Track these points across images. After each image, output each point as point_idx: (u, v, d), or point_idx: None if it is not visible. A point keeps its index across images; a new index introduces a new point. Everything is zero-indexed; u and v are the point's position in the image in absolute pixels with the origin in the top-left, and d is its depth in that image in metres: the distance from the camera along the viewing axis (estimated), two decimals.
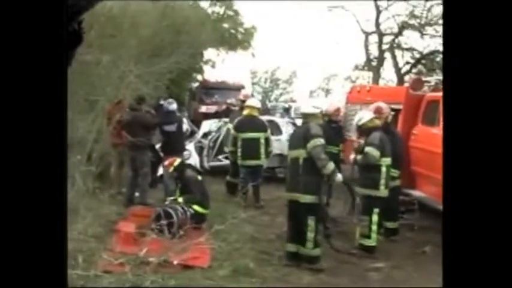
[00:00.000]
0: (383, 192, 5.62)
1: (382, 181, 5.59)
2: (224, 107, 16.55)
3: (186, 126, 8.34)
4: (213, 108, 17.73)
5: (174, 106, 8.22)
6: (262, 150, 7.89)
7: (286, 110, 21.44)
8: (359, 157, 5.77)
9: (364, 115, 6.03)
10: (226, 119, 11.13)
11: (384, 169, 5.61)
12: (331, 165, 4.99)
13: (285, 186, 5.51)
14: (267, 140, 8.04)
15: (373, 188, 5.60)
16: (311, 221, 4.99)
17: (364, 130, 5.92)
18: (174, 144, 7.84)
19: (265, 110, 12.17)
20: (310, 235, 4.99)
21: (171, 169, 6.57)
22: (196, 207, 6.09)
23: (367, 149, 5.62)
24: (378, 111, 6.21)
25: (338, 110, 7.97)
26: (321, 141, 5.03)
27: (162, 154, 7.97)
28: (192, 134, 11.50)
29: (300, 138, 5.15)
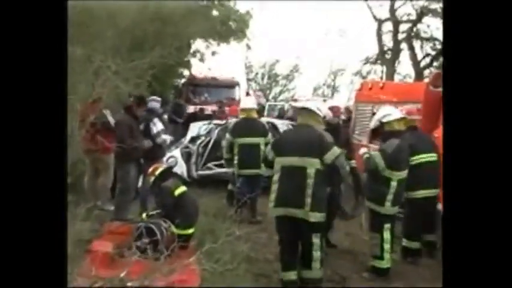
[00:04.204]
0: (388, 209, 5.52)
1: (389, 197, 5.46)
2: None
3: (157, 127, 7.84)
4: (209, 109, 17.35)
5: (152, 104, 8.28)
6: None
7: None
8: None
9: (390, 111, 5.80)
10: (217, 121, 11.14)
11: (394, 184, 5.47)
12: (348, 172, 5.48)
13: None
14: (268, 145, 7.98)
15: (377, 203, 5.54)
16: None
17: (385, 130, 5.75)
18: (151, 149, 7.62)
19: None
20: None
21: (152, 178, 6.36)
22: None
23: (374, 153, 5.59)
24: (409, 113, 6.21)
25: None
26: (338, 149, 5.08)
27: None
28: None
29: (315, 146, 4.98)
